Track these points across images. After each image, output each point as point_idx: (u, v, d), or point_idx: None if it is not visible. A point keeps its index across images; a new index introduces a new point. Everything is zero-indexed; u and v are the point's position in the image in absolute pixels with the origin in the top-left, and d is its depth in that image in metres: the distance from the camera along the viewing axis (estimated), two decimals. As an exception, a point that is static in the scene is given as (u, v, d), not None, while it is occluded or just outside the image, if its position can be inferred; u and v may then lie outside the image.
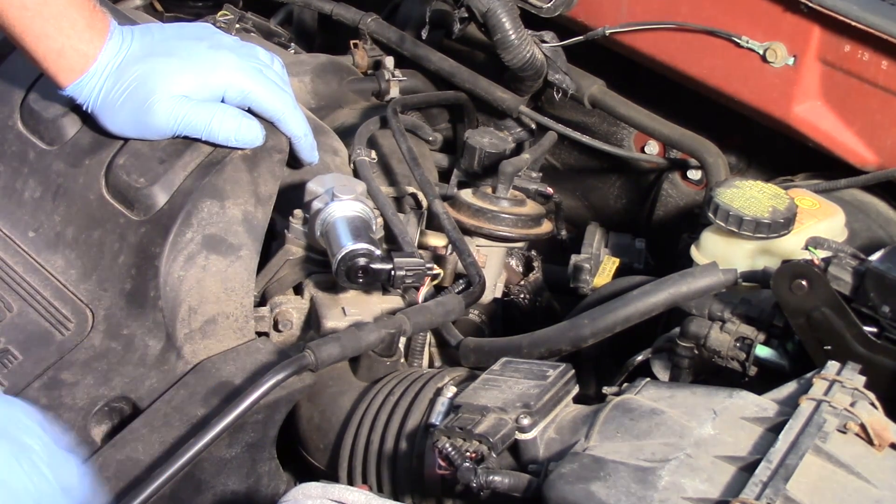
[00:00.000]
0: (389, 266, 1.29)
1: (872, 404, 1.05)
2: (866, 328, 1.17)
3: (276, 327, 1.38)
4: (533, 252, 1.69)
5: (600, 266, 1.61)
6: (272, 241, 1.41)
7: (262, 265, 1.35)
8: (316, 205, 1.34)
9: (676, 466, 1.00)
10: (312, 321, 1.37)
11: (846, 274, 1.17)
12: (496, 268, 1.58)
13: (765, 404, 1.08)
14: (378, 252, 1.29)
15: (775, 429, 1.02)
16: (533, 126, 1.82)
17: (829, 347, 1.18)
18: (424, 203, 1.53)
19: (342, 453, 1.28)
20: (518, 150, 1.75)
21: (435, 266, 1.34)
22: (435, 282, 1.38)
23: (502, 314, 1.64)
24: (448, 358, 1.45)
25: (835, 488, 0.97)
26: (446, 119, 1.92)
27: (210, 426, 1.11)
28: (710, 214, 1.36)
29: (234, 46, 1.35)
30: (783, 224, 1.34)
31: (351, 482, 1.27)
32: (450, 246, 1.48)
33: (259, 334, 1.33)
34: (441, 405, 1.22)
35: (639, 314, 1.29)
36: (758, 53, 1.60)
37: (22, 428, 0.98)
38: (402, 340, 1.36)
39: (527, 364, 1.22)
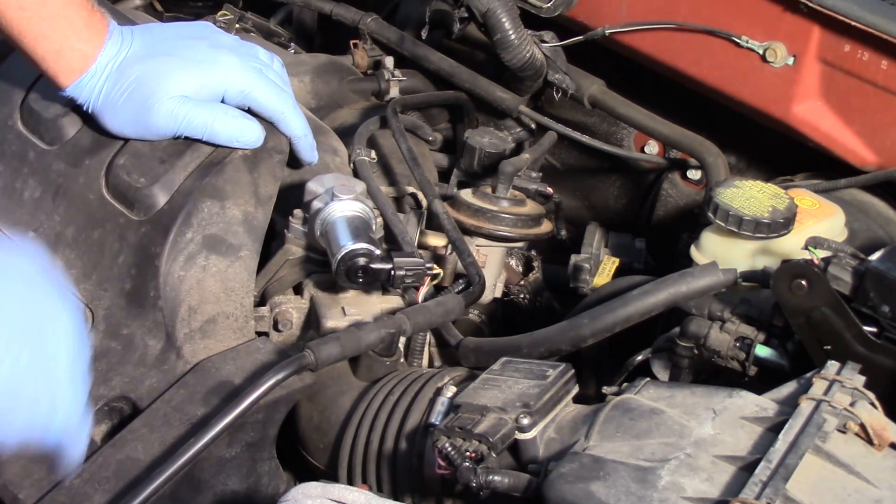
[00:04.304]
0: (389, 266, 1.29)
1: (872, 404, 1.05)
2: (866, 328, 1.17)
3: (276, 327, 1.38)
4: (533, 252, 1.69)
5: (600, 266, 1.61)
6: (272, 241, 1.41)
7: (262, 265, 1.35)
8: (316, 204, 1.34)
9: (676, 466, 1.00)
10: (312, 321, 1.37)
11: (846, 274, 1.17)
12: (496, 268, 1.58)
13: (764, 404, 1.08)
14: (378, 252, 1.29)
15: (775, 428, 1.02)
16: (533, 126, 1.82)
17: (828, 347, 1.18)
18: (424, 203, 1.53)
19: (342, 453, 1.28)
20: (518, 150, 1.75)
21: (435, 266, 1.34)
22: (435, 282, 1.38)
23: (502, 314, 1.64)
24: (448, 358, 1.45)
25: (834, 488, 0.97)
26: (446, 119, 1.92)
27: (210, 426, 1.11)
28: (710, 214, 1.36)
29: (233, 46, 1.35)
30: (783, 224, 1.34)
31: (351, 482, 1.27)
32: (450, 246, 1.48)
33: (259, 334, 1.33)
34: (441, 405, 1.22)
35: (639, 314, 1.29)
36: (758, 53, 1.60)
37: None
38: (402, 340, 1.36)
39: (526, 364, 1.22)
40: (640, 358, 1.37)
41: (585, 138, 1.76)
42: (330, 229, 1.31)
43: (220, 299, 1.27)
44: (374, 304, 1.37)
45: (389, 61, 1.88)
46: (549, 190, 1.62)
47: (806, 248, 1.22)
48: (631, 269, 1.67)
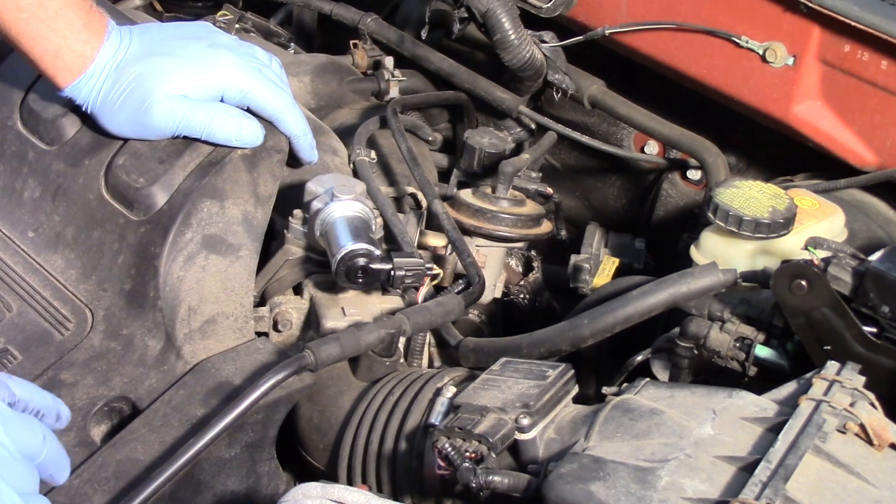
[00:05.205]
0: (389, 266, 1.29)
1: (872, 404, 1.05)
2: (866, 328, 1.17)
3: (275, 327, 1.37)
4: (533, 252, 1.69)
5: (600, 266, 1.61)
6: (272, 241, 1.41)
7: (261, 265, 1.35)
8: (315, 205, 1.34)
9: (676, 466, 1.00)
10: (312, 321, 1.37)
11: (846, 274, 1.17)
12: (496, 268, 1.58)
13: (764, 404, 1.08)
14: (378, 252, 1.29)
15: (775, 429, 1.02)
16: (533, 126, 1.82)
17: (828, 347, 1.18)
18: (424, 203, 1.53)
19: (342, 453, 1.28)
20: (518, 150, 1.75)
21: (434, 266, 1.34)
22: (434, 282, 1.38)
23: (502, 314, 1.64)
24: (448, 358, 1.45)
25: (834, 488, 0.97)
26: (446, 119, 1.92)
27: (209, 426, 1.11)
28: (710, 214, 1.36)
29: (232, 46, 1.35)
30: (783, 224, 1.34)
31: (350, 482, 1.27)
32: (449, 246, 1.48)
33: (259, 334, 1.33)
34: (441, 405, 1.22)
35: (638, 314, 1.29)
36: (757, 53, 1.60)
37: None
38: (402, 340, 1.36)
39: (526, 364, 1.21)
40: (640, 358, 1.37)
41: (585, 138, 1.76)
42: (330, 229, 1.31)
43: (219, 299, 1.27)
44: (374, 305, 1.37)
45: (389, 61, 1.88)
46: (549, 190, 1.62)
47: (806, 248, 1.22)
48: (631, 269, 1.67)
